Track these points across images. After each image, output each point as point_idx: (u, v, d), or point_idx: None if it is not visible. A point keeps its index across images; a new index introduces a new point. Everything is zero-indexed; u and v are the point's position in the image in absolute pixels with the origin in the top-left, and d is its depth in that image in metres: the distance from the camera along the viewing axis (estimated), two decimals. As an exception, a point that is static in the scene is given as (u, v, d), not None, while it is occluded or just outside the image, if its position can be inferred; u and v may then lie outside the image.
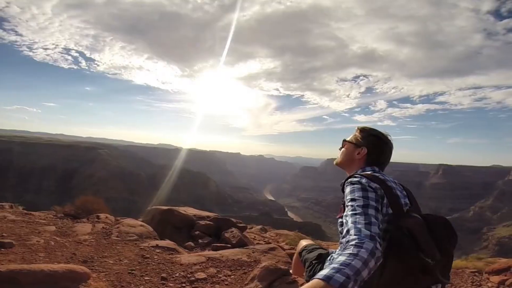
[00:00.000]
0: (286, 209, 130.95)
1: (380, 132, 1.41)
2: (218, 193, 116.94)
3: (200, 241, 4.25)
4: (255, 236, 5.76)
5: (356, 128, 1.49)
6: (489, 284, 2.88)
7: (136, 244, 3.34)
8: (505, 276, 3.05)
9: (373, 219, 1.01)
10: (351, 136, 1.47)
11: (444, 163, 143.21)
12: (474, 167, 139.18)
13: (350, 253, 0.86)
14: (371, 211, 1.04)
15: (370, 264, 0.85)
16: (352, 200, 1.12)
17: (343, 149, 1.48)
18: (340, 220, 1.29)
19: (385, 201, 1.15)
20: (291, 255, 3.95)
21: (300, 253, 1.78)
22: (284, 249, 4.66)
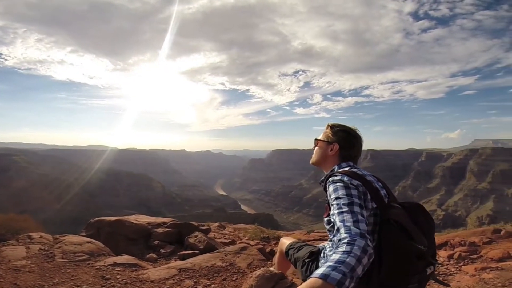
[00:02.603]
0: (239, 203, 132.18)
1: (348, 127, 1.47)
2: (164, 193, 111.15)
3: (162, 251, 3.92)
4: (214, 234, 5.59)
5: (326, 125, 1.53)
6: (441, 259, 3.27)
7: (89, 264, 2.88)
8: (445, 250, 3.55)
9: (360, 217, 1.05)
10: (321, 134, 1.52)
11: (371, 148, 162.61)
12: (394, 151, 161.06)
13: (344, 251, 0.90)
14: (357, 209, 1.08)
15: (363, 261, 0.88)
16: (337, 198, 1.15)
17: (316, 148, 1.52)
18: (326, 219, 1.35)
19: (368, 196, 1.20)
20: (259, 250, 3.97)
21: (286, 252, 1.76)
22: (251, 245, 4.66)
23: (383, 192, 1.29)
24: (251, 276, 1.66)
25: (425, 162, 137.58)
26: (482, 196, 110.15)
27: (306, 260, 1.49)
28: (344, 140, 1.44)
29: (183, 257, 3.46)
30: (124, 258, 3.25)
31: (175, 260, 3.42)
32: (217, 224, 7.33)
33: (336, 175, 1.26)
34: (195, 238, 4.15)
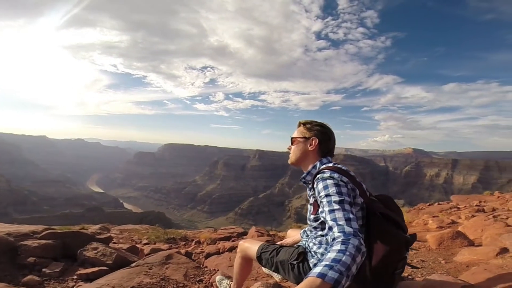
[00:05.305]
0: (121, 201, 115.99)
1: (321, 122, 1.52)
2: (10, 190, 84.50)
3: (46, 270, 2.91)
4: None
5: (298, 123, 1.55)
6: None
7: None
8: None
9: (351, 215, 1.09)
10: (295, 133, 1.52)
11: (260, 149, 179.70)
12: (277, 152, 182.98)
13: (339, 250, 0.92)
14: (347, 206, 1.12)
15: (357, 260, 0.92)
16: (327, 196, 1.16)
17: (293, 147, 1.51)
18: (313, 216, 1.35)
19: (356, 192, 1.26)
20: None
21: (258, 257, 1.64)
22: (163, 249, 4.13)
23: (364, 186, 1.35)
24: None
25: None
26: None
27: (295, 262, 1.42)
28: (321, 134, 1.46)
29: (87, 277, 2.69)
30: (-12, 291, 2.22)
31: (77, 282, 2.61)
32: (98, 226, 6.26)
33: (324, 172, 1.26)
34: (96, 251, 3.32)
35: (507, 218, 3.70)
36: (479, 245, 2.70)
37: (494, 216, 3.95)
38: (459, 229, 3.49)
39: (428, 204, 8.30)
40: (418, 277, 1.87)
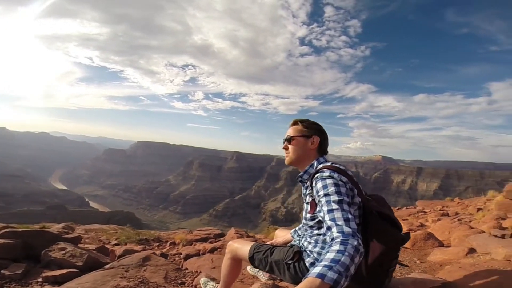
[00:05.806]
0: (87, 199, 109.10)
1: (314, 121, 1.51)
2: (-41, 185, 76.46)
3: (6, 272, 2.64)
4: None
5: (292, 122, 1.53)
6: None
7: None
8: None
9: (349, 215, 1.09)
10: (291, 131, 1.49)
11: (237, 150, 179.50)
12: (255, 155, 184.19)
13: (338, 250, 0.93)
14: (346, 207, 1.13)
15: (355, 260, 0.94)
16: (326, 195, 1.16)
17: (291, 146, 1.47)
18: (310, 215, 1.34)
19: (355, 191, 1.27)
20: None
21: (251, 258, 1.58)
22: (137, 250, 3.93)
23: (360, 186, 1.36)
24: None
25: (275, 166, 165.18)
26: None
27: (290, 262, 1.39)
28: (320, 132, 1.45)
29: (55, 280, 2.48)
30: None
31: (43, 286, 2.40)
32: (61, 225, 5.90)
33: (324, 171, 1.25)
34: (63, 252, 3.08)
35: (470, 221, 4.01)
36: (448, 246, 2.90)
37: (458, 220, 4.26)
38: (428, 231, 3.72)
39: (397, 208, 8.75)
40: (398, 276, 1.96)
